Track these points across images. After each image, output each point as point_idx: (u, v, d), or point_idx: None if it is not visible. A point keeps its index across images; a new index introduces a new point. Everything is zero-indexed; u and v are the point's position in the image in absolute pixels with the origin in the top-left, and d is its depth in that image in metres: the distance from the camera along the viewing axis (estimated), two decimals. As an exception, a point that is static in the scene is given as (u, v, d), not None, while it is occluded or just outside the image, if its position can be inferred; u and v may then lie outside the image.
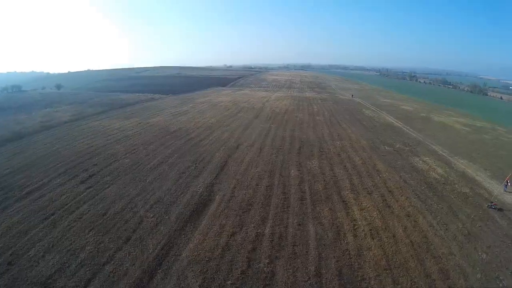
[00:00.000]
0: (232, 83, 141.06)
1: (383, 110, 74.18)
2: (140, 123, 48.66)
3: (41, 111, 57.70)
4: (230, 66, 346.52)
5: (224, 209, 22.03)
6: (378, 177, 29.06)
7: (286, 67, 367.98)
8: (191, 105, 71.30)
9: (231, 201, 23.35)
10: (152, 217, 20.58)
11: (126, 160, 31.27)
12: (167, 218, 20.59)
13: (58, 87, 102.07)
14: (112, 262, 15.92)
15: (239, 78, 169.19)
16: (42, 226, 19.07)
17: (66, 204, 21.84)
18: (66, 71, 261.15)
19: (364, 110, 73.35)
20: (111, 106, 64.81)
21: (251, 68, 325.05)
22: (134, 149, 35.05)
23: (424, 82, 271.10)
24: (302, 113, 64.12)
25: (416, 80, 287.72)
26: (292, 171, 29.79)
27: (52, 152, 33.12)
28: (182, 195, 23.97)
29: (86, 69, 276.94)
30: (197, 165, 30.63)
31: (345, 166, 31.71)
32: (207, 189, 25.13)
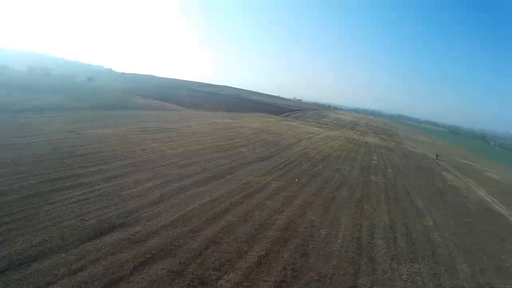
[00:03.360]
0: (287, 113, 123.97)
1: (467, 175, 50.43)
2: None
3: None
4: (300, 100, 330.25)
5: None
6: None
7: (356, 110, 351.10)
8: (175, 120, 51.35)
9: None
10: None
11: None
12: None
13: (90, 80, 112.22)
14: None
15: (298, 110, 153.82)
16: None
17: None
18: (131, 72, 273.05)
19: (443, 172, 48.76)
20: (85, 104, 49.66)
21: (322, 105, 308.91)
22: None
23: (495, 144, 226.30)
24: (350, 166, 39.42)
25: (487, 141, 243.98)
26: None
27: None
28: None
29: (150, 74, 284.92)
30: None
31: None
32: None
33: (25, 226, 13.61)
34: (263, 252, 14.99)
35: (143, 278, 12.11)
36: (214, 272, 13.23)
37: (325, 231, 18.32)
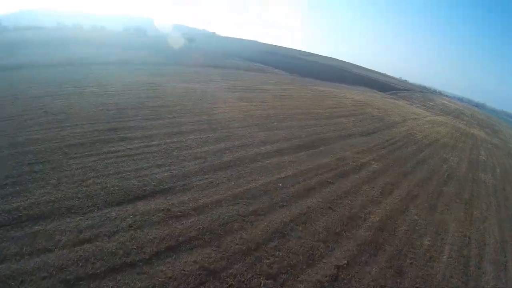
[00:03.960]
0: (392, 91, 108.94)
1: None
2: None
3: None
4: (406, 80, 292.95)
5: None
6: None
7: (460, 99, 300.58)
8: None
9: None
10: None
11: None
12: None
13: (190, 41, 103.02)
14: None
15: (404, 90, 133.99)
16: None
17: None
18: (234, 37, 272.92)
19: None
20: (176, 60, 49.90)
21: (427, 88, 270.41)
22: None
23: None
24: (458, 157, 31.50)
25: None
26: None
27: None
28: None
29: (254, 40, 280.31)
30: None
31: None
32: None
33: (52, 178, 11.19)
34: (345, 261, 10.18)
35: (161, 271, 8.05)
36: (266, 281, 8.39)
37: (428, 241, 13.22)
